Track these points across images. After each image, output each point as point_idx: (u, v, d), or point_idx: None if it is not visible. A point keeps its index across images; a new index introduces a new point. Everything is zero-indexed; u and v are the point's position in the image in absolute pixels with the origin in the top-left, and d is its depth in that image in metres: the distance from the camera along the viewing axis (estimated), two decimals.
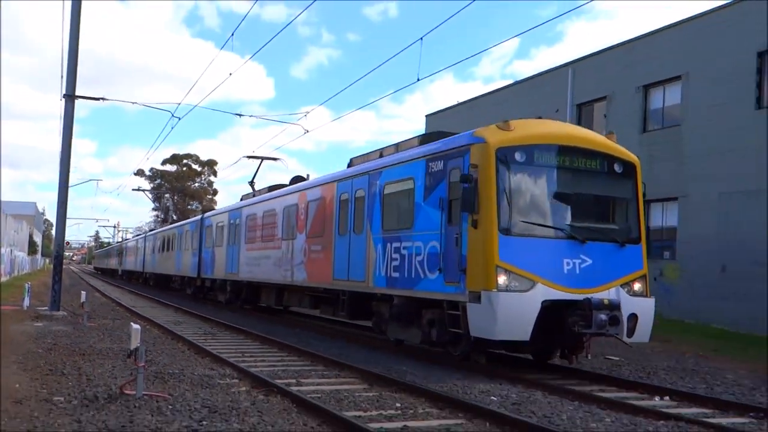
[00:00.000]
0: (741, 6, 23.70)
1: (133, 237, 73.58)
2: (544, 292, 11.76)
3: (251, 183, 31.14)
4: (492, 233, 11.91)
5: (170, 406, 8.98)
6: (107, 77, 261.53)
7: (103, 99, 25.05)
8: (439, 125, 39.18)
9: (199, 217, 36.10)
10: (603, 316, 11.63)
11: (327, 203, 18.47)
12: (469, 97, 38.98)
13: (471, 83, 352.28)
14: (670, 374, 13.98)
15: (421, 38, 18.01)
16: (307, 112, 31.99)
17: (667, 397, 11.21)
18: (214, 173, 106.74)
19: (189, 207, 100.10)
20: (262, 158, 31.19)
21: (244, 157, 31.16)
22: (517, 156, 12.39)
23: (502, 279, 11.68)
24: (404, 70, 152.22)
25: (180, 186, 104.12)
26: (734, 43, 23.39)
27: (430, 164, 13.78)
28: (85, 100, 24.49)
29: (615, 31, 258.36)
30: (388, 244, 14.98)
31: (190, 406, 9.07)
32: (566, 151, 12.85)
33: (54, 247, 25.11)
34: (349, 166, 18.53)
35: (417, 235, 13.95)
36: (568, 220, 12.72)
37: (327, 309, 19.82)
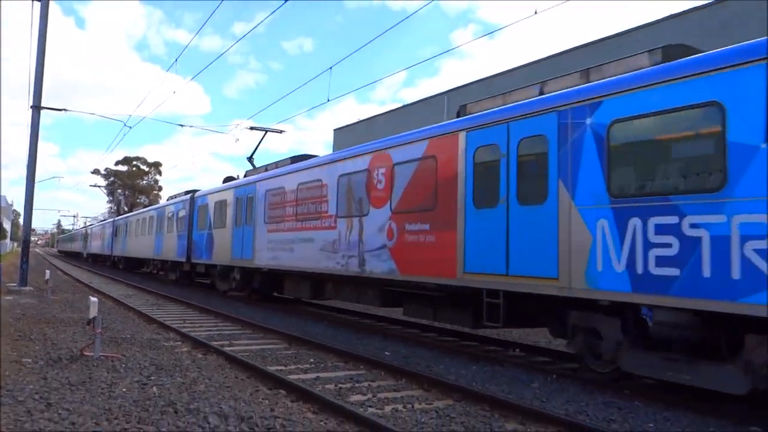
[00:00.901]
0: (556, 59, 25.12)
1: (98, 222, 65.55)
2: None
3: (250, 159, 23.02)
4: None
5: (123, 365, 8.56)
6: (68, 91, 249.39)
7: (65, 110, 23.78)
8: (344, 138, 39.01)
9: (187, 196, 25.21)
10: None
11: (440, 164, 10.54)
12: (367, 116, 39.08)
13: (369, 105, 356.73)
14: None
15: (331, 68, 17.80)
16: (237, 124, 31.05)
17: None
18: (159, 173, 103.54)
19: (138, 201, 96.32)
20: (267, 130, 23.61)
21: (247, 128, 23.70)
22: None
23: None
24: (316, 93, 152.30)
25: (130, 183, 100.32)
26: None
27: None
28: (49, 110, 23.10)
29: (478, 68, 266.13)
30: (636, 221, 7.35)
31: (140, 364, 8.67)
32: None
33: (22, 233, 23.70)
34: (459, 114, 10.77)
35: (741, 203, 6.37)
36: None
37: (420, 310, 11.73)
